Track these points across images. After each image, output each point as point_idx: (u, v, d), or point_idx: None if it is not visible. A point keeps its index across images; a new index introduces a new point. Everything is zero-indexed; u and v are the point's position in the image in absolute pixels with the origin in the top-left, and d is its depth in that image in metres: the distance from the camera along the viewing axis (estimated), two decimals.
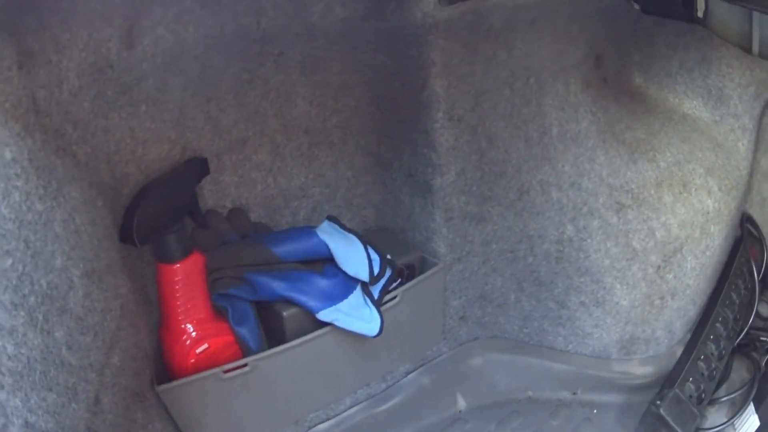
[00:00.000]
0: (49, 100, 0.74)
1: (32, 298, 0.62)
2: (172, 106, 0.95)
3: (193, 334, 0.96)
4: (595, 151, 1.29)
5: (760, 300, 1.57)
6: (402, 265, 1.13)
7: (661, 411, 1.24)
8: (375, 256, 1.05)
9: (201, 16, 0.87)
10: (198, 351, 0.97)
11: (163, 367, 0.99)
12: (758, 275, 1.58)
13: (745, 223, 1.62)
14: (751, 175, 1.53)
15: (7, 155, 0.63)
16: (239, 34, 0.91)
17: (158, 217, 0.92)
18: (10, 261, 0.60)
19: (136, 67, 0.85)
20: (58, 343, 0.65)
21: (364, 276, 1.01)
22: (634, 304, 1.29)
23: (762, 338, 1.45)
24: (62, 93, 0.77)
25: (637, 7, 1.49)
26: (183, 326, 0.96)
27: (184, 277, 0.95)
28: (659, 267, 1.29)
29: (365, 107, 1.16)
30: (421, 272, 1.17)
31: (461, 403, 1.30)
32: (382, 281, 1.05)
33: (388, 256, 1.08)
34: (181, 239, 0.95)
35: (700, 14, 1.51)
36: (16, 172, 0.64)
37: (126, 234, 0.88)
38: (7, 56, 0.66)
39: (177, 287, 0.95)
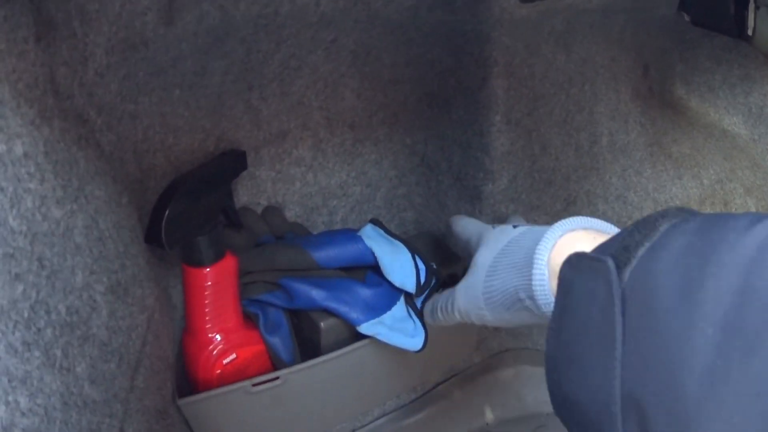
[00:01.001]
0: (71, 80, 0.57)
1: (48, 331, 0.45)
2: (209, 92, 0.78)
3: (221, 344, 0.79)
4: (643, 164, 1.14)
5: None
6: (446, 275, 0.96)
7: None
8: (421, 265, 0.88)
9: None
10: (225, 362, 0.80)
11: (185, 378, 0.83)
12: None
13: None
14: None
15: (18, 150, 0.45)
16: (295, 16, 0.73)
17: (189, 216, 0.75)
18: (21, 288, 0.43)
19: (174, 46, 0.68)
20: (80, 380, 0.49)
21: (411, 287, 0.84)
22: None
23: None
24: (87, 72, 0.59)
25: (687, 18, 1.34)
26: (210, 335, 0.79)
27: (215, 282, 0.78)
28: None
29: (415, 104, 0.99)
30: None
31: (489, 416, 1.13)
32: (426, 292, 0.88)
33: (434, 265, 0.92)
34: (214, 240, 0.78)
35: (749, 32, 1.36)
36: (29, 170, 0.46)
37: (153, 235, 0.71)
38: (23, 25, 0.48)
39: (206, 293, 0.78)
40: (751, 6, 1.35)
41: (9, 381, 0.40)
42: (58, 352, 0.47)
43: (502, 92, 0.91)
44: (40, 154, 0.49)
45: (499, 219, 0.99)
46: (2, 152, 0.44)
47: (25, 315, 0.43)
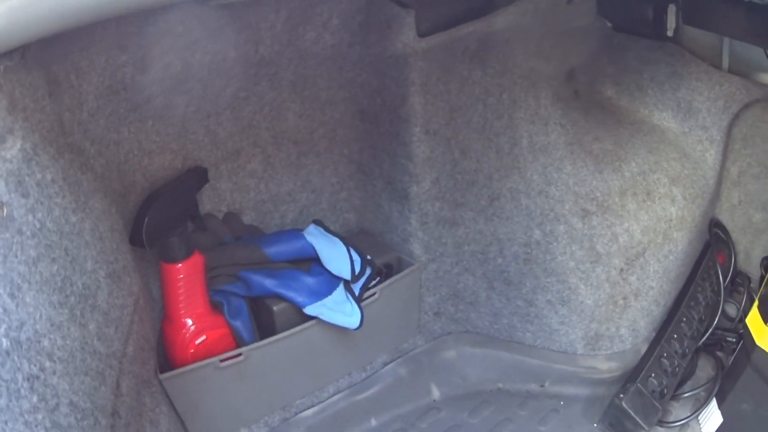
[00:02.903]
0: (72, 121, 0.91)
1: (72, 298, 0.78)
2: (175, 121, 1.13)
3: (193, 327, 1.15)
4: (563, 161, 1.47)
5: (727, 301, 1.73)
6: (381, 264, 1.32)
7: (624, 404, 1.39)
8: (356, 257, 1.24)
9: (207, 45, 1.04)
10: (197, 342, 1.15)
11: (165, 358, 1.18)
12: (725, 278, 1.74)
13: (713, 228, 1.77)
14: (720, 183, 1.70)
15: (48, 177, 0.79)
16: (239, 59, 1.09)
17: (163, 222, 1.10)
18: (56, 267, 0.76)
19: (147, 88, 1.03)
20: (92, 335, 0.82)
21: (347, 274, 1.21)
22: (598, 303, 1.47)
23: (728, 338, 1.60)
24: (82, 113, 0.93)
25: (609, 24, 1.67)
26: (183, 320, 1.14)
27: (186, 275, 1.13)
28: (622, 270, 1.46)
29: (349, 120, 1.35)
30: (398, 271, 1.36)
31: (435, 393, 1.49)
32: (363, 279, 1.24)
33: (368, 257, 1.28)
34: (184, 241, 1.13)
35: (670, 33, 1.67)
36: (55, 190, 0.80)
37: (136, 238, 1.06)
38: (41, 86, 0.81)
39: (180, 284, 1.13)
40: (671, 9, 1.72)
41: (51, 325, 0.73)
42: (78, 313, 0.80)
43: (420, 107, 1.26)
44: (60, 179, 0.83)
45: (425, 215, 1.36)
46: (40, 179, 0.79)
47: (59, 285, 0.76)
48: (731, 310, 1.74)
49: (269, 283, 1.18)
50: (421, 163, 1.31)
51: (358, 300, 1.22)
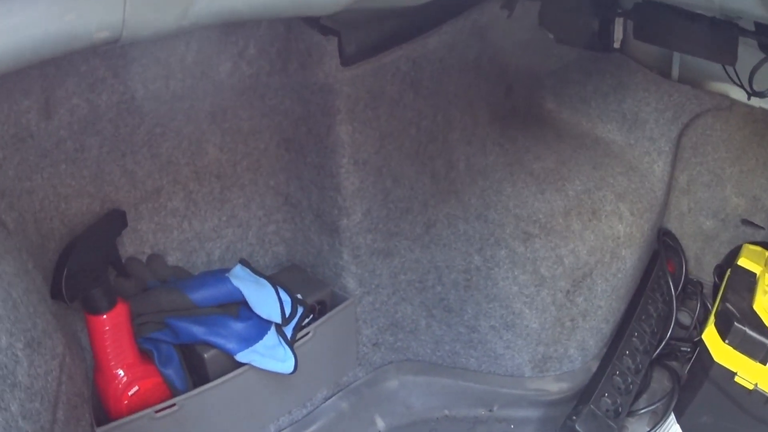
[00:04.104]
0: None
1: None
2: (90, 163, 1.19)
3: (125, 378, 1.21)
4: (502, 183, 1.57)
5: (680, 310, 1.86)
6: (313, 302, 1.41)
7: (577, 426, 1.49)
8: (286, 298, 1.33)
9: (113, 84, 1.11)
10: (130, 393, 1.22)
11: (101, 410, 1.25)
12: (676, 287, 1.86)
13: (662, 237, 1.90)
14: (669, 191, 1.82)
15: None
16: (149, 97, 1.16)
17: (84, 272, 1.16)
18: None
19: (55, 133, 1.09)
20: (15, 416, 0.86)
21: (277, 318, 1.29)
22: (544, 326, 1.57)
23: (683, 348, 1.72)
24: None
25: (551, 36, 1.75)
26: (115, 371, 1.21)
27: (112, 326, 1.20)
28: (568, 291, 1.57)
29: (274, 150, 1.42)
30: (333, 306, 1.45)
31: (380, 424, 1.59)
32: (295, 320, 1.33)
33: (299, 296, 1.36)
34: (106, 290, 1.19)
35: (616, 45, 1.76)
36: None
37: (56, 291, 1.13)
38: None
39: (106, 336, 1.20)
40: (618, 21, 1.80)
41: None
42: None
43: (347, 137, 1.33)
44: None
45: (357, 249, 1.46)
46: None
47: None
48: (685, 319, 1.88)
49: (197, 330, 1.27)
50: (351, 196, 1.40)
51: (291, 343, 1.32)
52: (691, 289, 1.97)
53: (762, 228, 1.84)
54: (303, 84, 1.31)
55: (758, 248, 1.69)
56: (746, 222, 1.86)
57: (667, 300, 1.85)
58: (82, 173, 1.21)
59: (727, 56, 1.35)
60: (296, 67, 1.28)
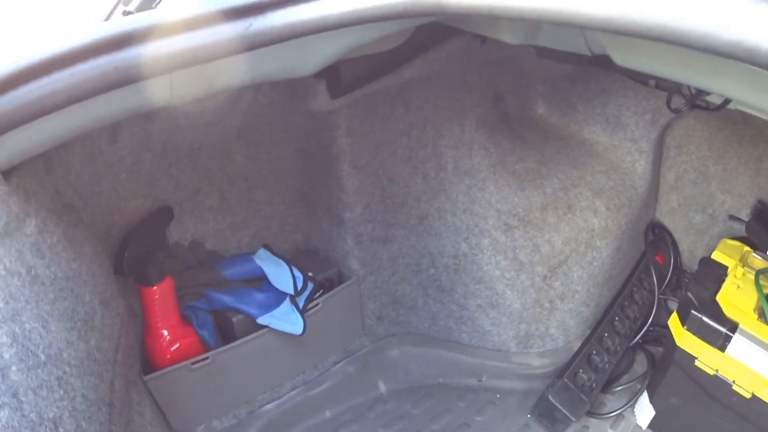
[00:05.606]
0: (63, 185, 1.30)
1: (78, 323, 1.17)
2: (144, 172, 1.55)
3: (168, 337, 1.59)
4: (486, 182, 1.85)
5: (670, 299, 2.05)
6: (322, 278, 1.78)
7: (551, 397, 1.72)
8: (299, 275, 1.71)
9: (162, 116, 1.45)
10: (172, 349, 1.59)
11: (147, 363, 1.63)
12: (665, 278, 2.03)
13: (651, 230, 2.07)
14: (653, 190, 2.01)
15: (54, 238, 1.15)
16: (188, 123, 1.51)
17: (139, 254, 1.55)
18: (67, 303, 1.14)
19: (118, 151, 1.43)
20: (92, 348, 1.20)
21: (290, 290, 1.67)
22: (525, 306, 1.84)
23: (666, 336, 1.76)
24: (71, 177, 1.33)
25: (533, 49, 2.01)
26: (161, 331, 1.59)
27: (160, 295, 1.58)
28: (546, 276, 1.83)
29: (292, 156, 1.77)
30: (340, 284, 1.82)
31: (382, 387, 1.91)
32: (306, 293, 1.72)
33: (310, 273, 1.74)
34: (157, 268, 1.57)
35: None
36: (60, 248, 1.17)
37: (118, 268, 1.52)
38: (39, 169, 1.17)
39: (155, 303, 1.58)
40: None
41: (67, 343, 1.14)
42: (83, 333, 1.20)
43: (347, 147, 1.67)
44: (63, 238, 1.22)
45: (359, 236, 1.84)
46: (50, 242, 1.18)
47: (70, 314, 1.17)
48: (674, 307, 1.88)
49: (228, 299, 1.66)
50: (352, 193, 1.74)
51: (302, 311, 1.70)
52: (686, 280, 2.12)
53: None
54: (307, 109, 1.63)
55: (737, 243, 1.83)
56: (733, 218, 2.01)
57: (652, 289, 2.04)
58: (138, 179, 1.56)
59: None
60: (298, 100, 1.59)
